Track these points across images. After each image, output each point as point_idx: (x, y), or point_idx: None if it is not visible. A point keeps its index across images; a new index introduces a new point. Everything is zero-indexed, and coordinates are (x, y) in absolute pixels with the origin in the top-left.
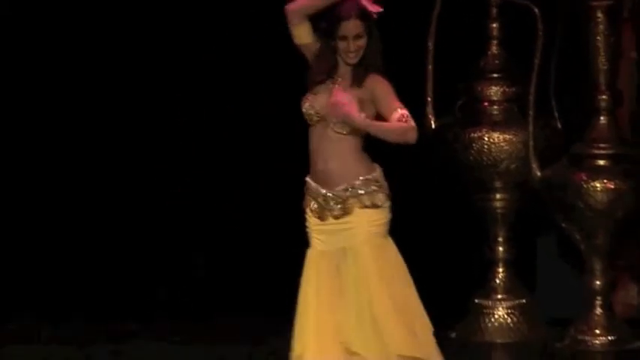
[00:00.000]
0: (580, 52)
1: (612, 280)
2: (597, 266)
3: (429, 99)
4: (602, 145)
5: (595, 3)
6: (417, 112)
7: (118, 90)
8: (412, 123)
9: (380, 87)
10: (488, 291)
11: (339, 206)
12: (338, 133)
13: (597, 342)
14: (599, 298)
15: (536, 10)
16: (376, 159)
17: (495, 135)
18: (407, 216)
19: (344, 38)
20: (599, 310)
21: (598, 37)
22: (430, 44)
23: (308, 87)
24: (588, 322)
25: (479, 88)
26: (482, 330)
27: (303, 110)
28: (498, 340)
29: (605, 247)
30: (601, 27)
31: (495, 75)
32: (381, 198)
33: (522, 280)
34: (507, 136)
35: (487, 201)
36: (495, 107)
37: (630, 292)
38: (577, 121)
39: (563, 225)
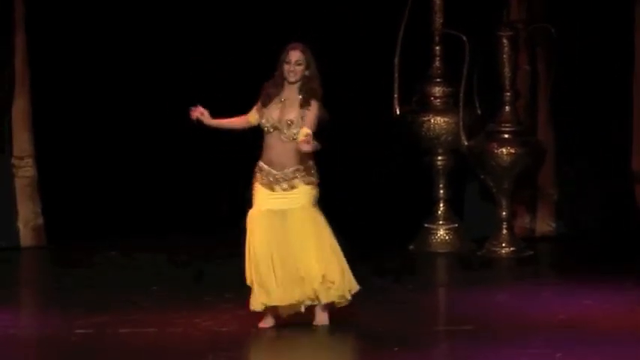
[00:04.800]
0: (493, 65)
1: (513, 212)
2: (503, 203)
3: (396, 95)
4: (506, 125)
5: (502, 34)
6: (388, 104)
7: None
8: (310, 141)
9: (311, 110)
10: (433, 219)
11: (285, 183)
12: (285, 139)
13: (503, 252)
14: (504, 223)
15: (464, 38)
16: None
17: (438, 118)
18: (383, 171)
19: (288, 62)
20: (504, 231)
21: (504, 56)
22: (396, 60)
23: (261, 99)
24: (497, 238)
25: (427, 88)
26: (429, 244)
27: (260, 123)
28: (440, 250)
29: (509, 191)
30: (506, 49)
31: (438, 80)
32: (312, 180)
33: (455, 211)
34: (445, 119)
35: (433, 161)
36: (438, 100)
37: (524, 220)
38: (491, 109)
39: (482, 176)
